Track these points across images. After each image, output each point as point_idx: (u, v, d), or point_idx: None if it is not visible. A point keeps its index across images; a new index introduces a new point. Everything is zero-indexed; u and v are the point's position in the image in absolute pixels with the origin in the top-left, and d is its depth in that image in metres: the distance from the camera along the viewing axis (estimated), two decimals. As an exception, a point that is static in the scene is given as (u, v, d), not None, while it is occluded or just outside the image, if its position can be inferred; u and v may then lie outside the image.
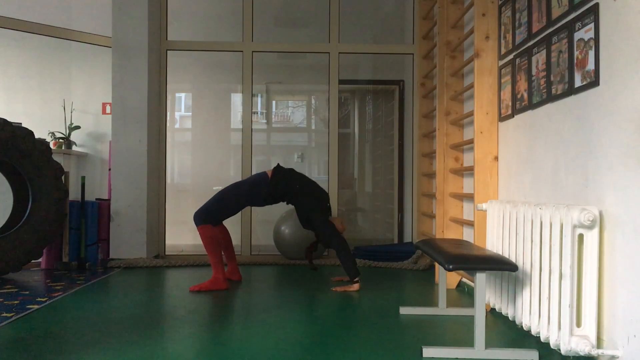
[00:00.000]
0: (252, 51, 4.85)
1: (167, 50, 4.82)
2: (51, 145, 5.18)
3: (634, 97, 1.82)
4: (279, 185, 3.60)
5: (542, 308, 2.14)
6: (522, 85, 2.71)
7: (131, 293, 3.32)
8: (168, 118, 5.04)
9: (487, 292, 2.76)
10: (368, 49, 5.35)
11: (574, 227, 1.94)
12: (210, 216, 3.52)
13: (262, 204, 3.69)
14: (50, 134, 5.40)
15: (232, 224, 4.09)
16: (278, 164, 3.79)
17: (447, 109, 3.63)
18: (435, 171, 3.85)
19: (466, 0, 3.60)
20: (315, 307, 2.96)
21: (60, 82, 5.69)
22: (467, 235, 3.50)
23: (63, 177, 4.14)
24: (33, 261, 4.03)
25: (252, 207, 4.78)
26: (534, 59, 2.58)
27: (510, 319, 2.51)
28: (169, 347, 2.20)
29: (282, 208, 4.54)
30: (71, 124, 5.51)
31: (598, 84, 2.03)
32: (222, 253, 3.66)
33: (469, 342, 2.26)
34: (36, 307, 2.89)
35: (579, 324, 1.97)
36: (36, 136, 3.94)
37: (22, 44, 5.46)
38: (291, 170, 3.75)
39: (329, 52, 4.90)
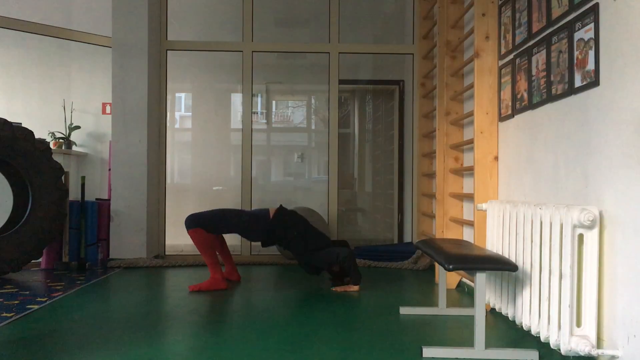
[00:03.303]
0: (252, 51, 4.85)
1: (167, 50, 4.82)
2: (51, 145, 5.18)
3: (634, 97, 1.82)
4: (277, 229, 3.52)
5: (542, 308, 2.14)
6: (522, 85, 2.71)
7: (131, 293, 3.32)
8: (168, 118, 5.04)
9: (487, 292, 2.76)
10: (368, 49, 5.34)
11: (574, 227, 1.94)
12: (204, 224, 3.50)
13: (254, 240, 3.63)
14: (50, 134, 5.40)
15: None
16: (281, 205, 3.67)
17: (447, 109, 3.63)
18: (435, 171, 3.85)
19: (466, 0, 3.60)
20: (315, 307, 2.96)
21: (60, 82, 5.69)
22: (467, 235, 3.50)
23: (63, 177, 4.14)
24: (33, 261, 4.03)
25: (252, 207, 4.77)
26: (534, 59, 2.58)
27: (510, 319, 2.51)
28: (169, 347, 2.20)
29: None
30: (71, 124, 5.51)
31: (598, 84, 2.03)
32: (218, 254, 3.66)
33: (469, 342, 2.26)
34: (36, 307, 2.89)
35: (579, 324, 1.97)
36: (36, 136, 3.94)
37: (22, 44, 5.46)
38: (293, 213, 3.61)
39: (329, 52, 4.90)
